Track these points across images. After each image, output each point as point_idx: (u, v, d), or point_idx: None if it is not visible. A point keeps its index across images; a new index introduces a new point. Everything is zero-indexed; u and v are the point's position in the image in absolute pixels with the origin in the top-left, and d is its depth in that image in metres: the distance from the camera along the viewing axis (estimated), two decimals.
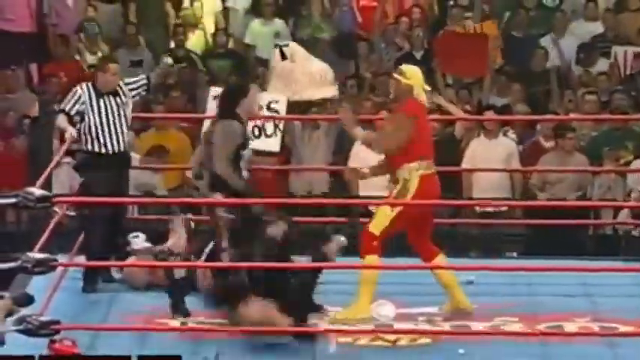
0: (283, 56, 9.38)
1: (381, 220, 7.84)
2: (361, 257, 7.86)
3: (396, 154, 7.90)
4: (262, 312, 7.30)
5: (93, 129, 8.47)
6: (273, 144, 9.40)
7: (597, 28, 13.08)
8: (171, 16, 13.31)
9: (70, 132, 8.43)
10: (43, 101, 9.29)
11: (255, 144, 9.54)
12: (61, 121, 8.51)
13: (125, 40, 12.92)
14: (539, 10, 13.22)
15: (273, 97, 9.73)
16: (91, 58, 12.72)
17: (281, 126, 9.30)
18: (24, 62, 12.54)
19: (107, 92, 8.54)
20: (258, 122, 9.36)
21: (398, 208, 7.87)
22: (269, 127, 9.42)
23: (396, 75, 8.10)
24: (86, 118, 8.47)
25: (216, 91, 9.53)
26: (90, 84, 8.57)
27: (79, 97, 8.51)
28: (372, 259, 7.82)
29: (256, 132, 9.47)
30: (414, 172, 7.93)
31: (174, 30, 13.08)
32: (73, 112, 8.50)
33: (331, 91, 9.14)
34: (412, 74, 8.08)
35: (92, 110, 8.48)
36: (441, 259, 8.03)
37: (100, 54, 12.74)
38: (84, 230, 8.57)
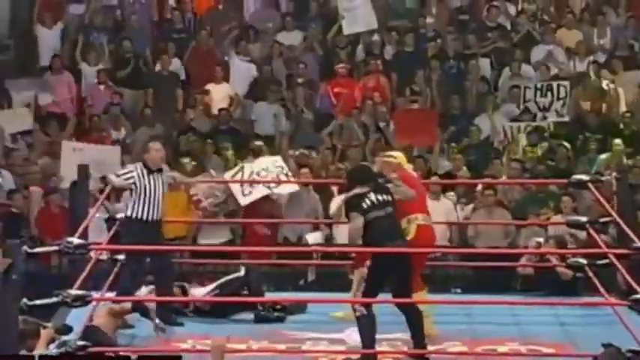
0: None
1: None
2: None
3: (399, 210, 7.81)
4: None
5: (139, 199, 8.40)
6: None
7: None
8: (181, 101, 13.37)
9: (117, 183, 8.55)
10: (80, 168, 9.30)
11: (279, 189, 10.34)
12: (112, 177, 8.63)
13: (144, 120, 12.93)
14: (476, 96, 13.37)
15: (273, 159, 10.14)
16: (115, 134, 12.78)
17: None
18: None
19: (155, 169, 8.47)
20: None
21: None
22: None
23: (386, 159, 8.19)
24: (136, 191, 8.40)
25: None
26: (142, 163, 8.50)
27: (130, 173, 8.46)
28: None
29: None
30: (413, 222, 7.99)
31: (185, 111, 13.16)
32: (121, 181, 8.51)
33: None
34: (398, 155, 8.28)
35: (141, 184, 8.40)
36: (423, 294, 8.05)
37: (123, 130, 12.85)
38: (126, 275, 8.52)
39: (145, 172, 8.45)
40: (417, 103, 13.17)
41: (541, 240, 9.58)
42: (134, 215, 8.39)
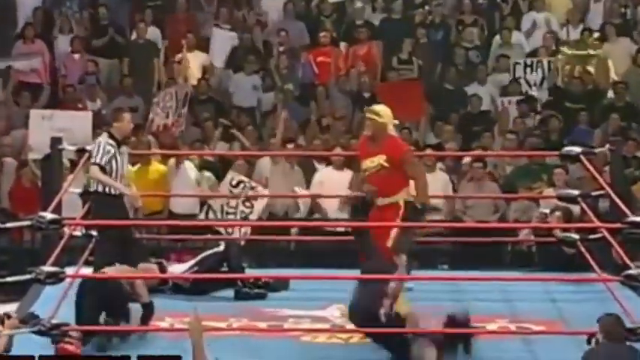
0: None
1: None
2: None
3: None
4: None
5: (114, 173, 8.16)
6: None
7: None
8: (161, 71, 13.16)
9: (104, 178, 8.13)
10: (53, 140, 9.12)
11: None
12: (100, 175, 8.11)
13: (122, 89, 12.76)
14: (466, 65, 13.21)
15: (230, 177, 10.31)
16: (90, 105, 12.57)
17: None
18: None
19: (122, 141, 8.24)
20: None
21: None
22: None
23: (371, 115, 7.67)
24: (111, 165, 8.15)
25: None
26: (107, 135, 8.22)
27: (108, 150, 8.13)
28: None
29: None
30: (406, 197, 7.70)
31: (164, 81, 12.96)
32: (104, 164, 8.13)
33: None
34: (385, 113, 7.69)
35: (115, 159, 8.16)
36: None
37: (98, 101, 12.66)
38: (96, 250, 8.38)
39: (114, 143, 8.17)
40: (407, 72, 13.00)
41: (547, 211, 9.40)
42: (111, 191, 8.16)
